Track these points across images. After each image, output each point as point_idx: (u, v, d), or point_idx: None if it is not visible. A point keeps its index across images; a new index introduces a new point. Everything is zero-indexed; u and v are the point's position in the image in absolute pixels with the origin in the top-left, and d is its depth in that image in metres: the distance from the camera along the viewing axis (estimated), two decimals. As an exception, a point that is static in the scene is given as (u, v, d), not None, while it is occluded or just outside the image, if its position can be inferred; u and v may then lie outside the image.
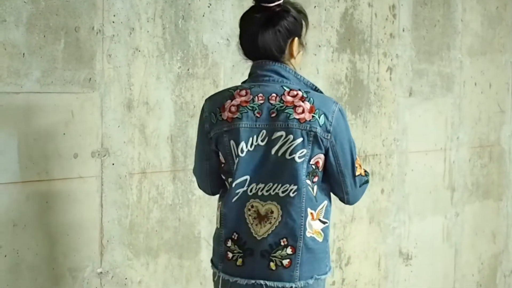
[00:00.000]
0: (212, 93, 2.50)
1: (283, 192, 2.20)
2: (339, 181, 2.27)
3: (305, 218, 2.20)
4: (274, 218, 2.20)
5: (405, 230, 4.31)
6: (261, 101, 2.22)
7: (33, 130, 2.67)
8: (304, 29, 2.32)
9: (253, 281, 2.21)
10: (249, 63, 2.32)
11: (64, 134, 2.76)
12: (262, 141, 2.21)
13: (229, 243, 2.25)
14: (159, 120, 3.06)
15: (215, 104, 2.27)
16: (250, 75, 2.31)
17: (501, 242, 5.13)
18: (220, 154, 2.27)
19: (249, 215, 2.22)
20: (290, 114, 2.18)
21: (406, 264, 4.33)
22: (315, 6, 3.68)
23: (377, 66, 4.03)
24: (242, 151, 2.21)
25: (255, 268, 2.21)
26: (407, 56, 4.21)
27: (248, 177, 2.21)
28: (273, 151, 2.20)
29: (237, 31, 2.35)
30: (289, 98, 2.20)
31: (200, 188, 2.48)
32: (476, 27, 4.73)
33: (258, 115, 2.21)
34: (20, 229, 2.65)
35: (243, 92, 2.24)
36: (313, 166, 2.21)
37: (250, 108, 2.22)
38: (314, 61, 3.69)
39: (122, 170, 2.94)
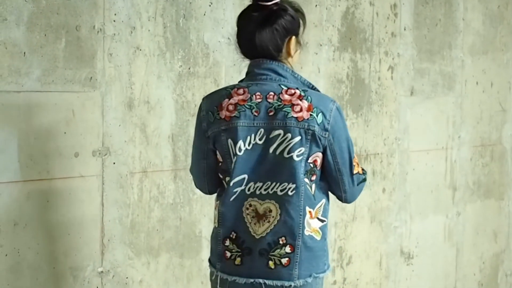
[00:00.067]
0: (212, 92, 2.50)
1: (281, 190, 2.19)
2: (337, 179, 2.27)
3: (304, 216, 2.20)
4: (273, 216, 2.20)
5: (406, 229, 4.30)
6: (259, 100, 2.22)
7: (34, 129, 2.67)
8: (301, 28, 2.32)
9: (251, 280, 2.21)
10: (247, 62, 2.32)
11: (65, 133, 2.76)
12: (260, 139, 2.21)
13: (227, 242, 2.24)
14: (160, 119, 3.06)
15: (213, 103, 2.27)
16: (247, 73, 2.31)
17: (503, 241, 5.13)
18: (217, 153, 2.27)
19: (247, 214, 2.22)
20: (288, 112, 2.18)
21: (407, 264, 4.33)
22: (316, 5, 3.68)
23: (379, 65, 4.03)
24: (240, 149, 2.21)
25: (253, 267, 2.21)
26: (408, 55, 4.21)
27: (246, 176, 2.21)
28: (271, 150, 2.20)
29: (238, 30, 2.36)
30: (287, 97, 2.20)
31: (197, 187, 2.48)
32: (477, 26, 4.72)
33: (256, 114, 2.21)
34: (21, 228, 2.65)
35: (241, 91, 2.24)
36: (311, 165, 2.21)
37: (248, 106, 2.21)
38: (315, 60, 3.69)
39: (123, 169, 2.94)
